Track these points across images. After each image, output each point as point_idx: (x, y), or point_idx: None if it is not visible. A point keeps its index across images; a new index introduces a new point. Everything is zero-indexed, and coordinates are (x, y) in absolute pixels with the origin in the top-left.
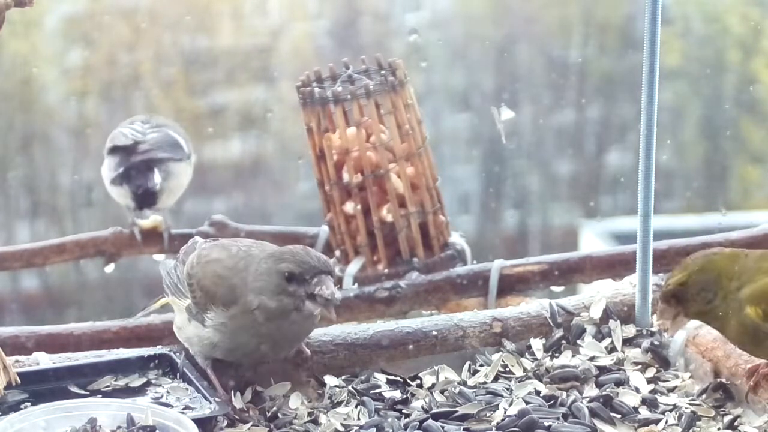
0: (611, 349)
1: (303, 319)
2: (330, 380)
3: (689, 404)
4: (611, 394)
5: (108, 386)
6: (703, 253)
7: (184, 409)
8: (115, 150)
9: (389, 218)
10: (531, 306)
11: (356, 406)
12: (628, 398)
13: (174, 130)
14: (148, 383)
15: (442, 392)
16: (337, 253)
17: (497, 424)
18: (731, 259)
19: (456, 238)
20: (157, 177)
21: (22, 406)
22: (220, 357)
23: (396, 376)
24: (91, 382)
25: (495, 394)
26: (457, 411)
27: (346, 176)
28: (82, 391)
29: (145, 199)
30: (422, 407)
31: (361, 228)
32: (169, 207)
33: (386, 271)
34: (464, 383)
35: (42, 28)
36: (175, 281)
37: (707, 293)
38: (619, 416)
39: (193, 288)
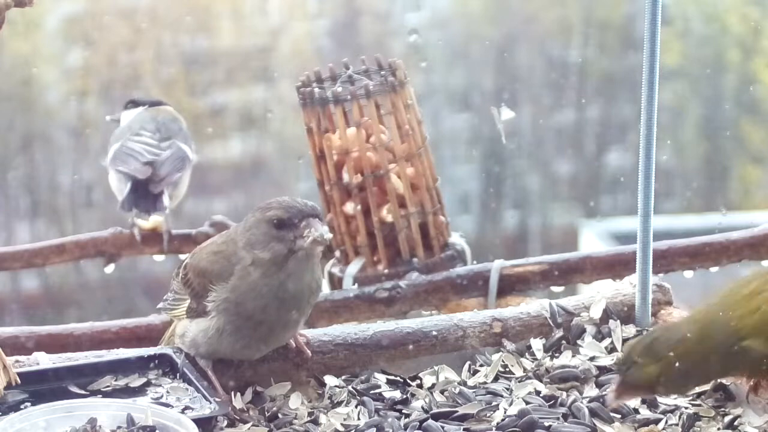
0: (611, 349)
1: (300, 271)
2: (330, 380)
3: (689, 404)
4: None
5: (108, 386)
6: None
7: (184, 409)
8: (129, 175)
9: (389, 218)
10: (531, 306)
11: (356, 406)
12: None
13: (181, 138)
14: (148, 383)
15: (442, 392)
16: (337, 253)
17: (497, 424)
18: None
19: (456, 239)
20: (166, 199)
21: (22, 406)
22: (228, 348)
23: (396, 376)
24: (91, 382)
25: (495, 394)
26: (457, 411)
27: (346, 176)
28: (82, 391)
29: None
30: (422, 407)
31: (361, 228)
32: (171, 209)
33: (386, 271)
34: (464, 383)
35: (42, 28)
36: (172, 296)
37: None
38: (619, 416)
39: (189, 281)
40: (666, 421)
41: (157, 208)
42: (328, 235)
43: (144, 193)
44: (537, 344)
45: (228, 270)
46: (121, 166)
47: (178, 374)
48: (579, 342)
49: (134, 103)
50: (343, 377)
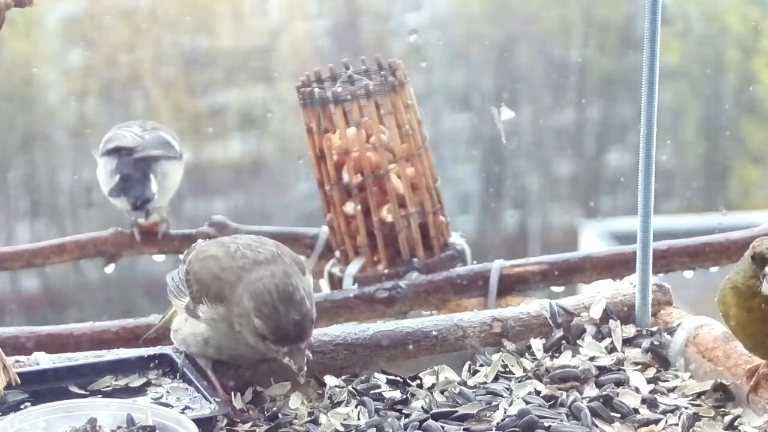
0: (611, 349)
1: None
2: (330, 380)
3: (689, 404)
4: (611, 394)
5: (108, 386)
6: None
7: (184, 409)
8: (113, 151)
9: (389, 218)
10: (531, 306)
11: (356, 406)
12: (628, 398)
13: (165, 132)
14: (148, 383)
15: (442, 392)
16: (337, 253)
17: (497, 424)
18: None
19: (456, 239)
20: (154, 186)
21: (22, 406)
22: (214, 356)
23: (396, 376)
24: (91, 382)
25: (495, 394)
26: (457, 411)
27: (346, 176)
28: (82, 391)
29: (142, 204)
30: (422, 407)
31: (361, 228)
32: (164, 206)
33: (386, 271)
34: (464, 383)
35: (42, 28)
36: (176, 283)
37: None
38: (619, 416)
39: (190, 283)
40: (666, 421)
41: (146, 194)
42: (305, 368)
43: (132, 181)
44: (537, 344)
45: (221, 297)
46: (110, 144)
47: (178, 374)
48: (579, 342)
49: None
50: (343, 377)
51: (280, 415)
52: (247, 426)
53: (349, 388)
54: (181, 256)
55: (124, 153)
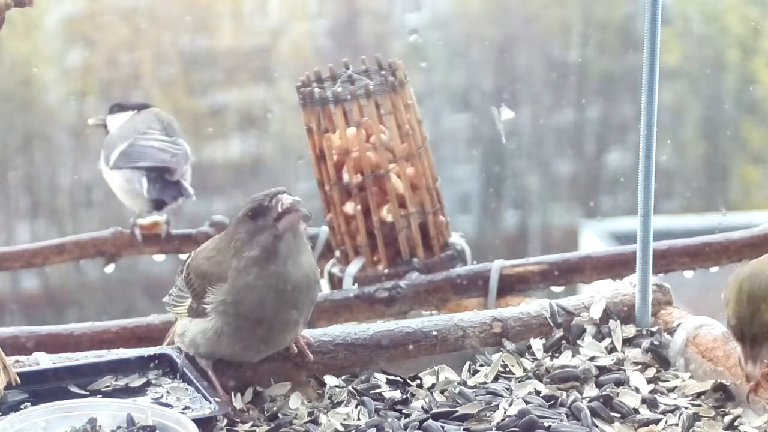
0: (611, 349)
1: (294, 253)
2: (330, 380)
3: (689, 404)
4: (611, 394)
5: (108, 386)
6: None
7: (184, 409)
8: (151, 168)
9: (389, 218)
10: (531, 306)
11: (356, 406)
12: (628, 398)
13: (181, 136)
14: (148, 383)
15: (442, 392)
16: (337, 253)
17: (497, 424)
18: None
19: (456, 239)
20: (189, 188)
21: (22, 406)
22: (228, 350)
23: (396, 376)
24: (91, 382)
25: (495, 394)
26: (457, 411)
27: (346, 176)
28: (82, 391)
29: (163, 204)
30: (422, 407)
31: (361, 228)
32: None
33: (386, 271)
34: (464, 383)
35: (42, 28)
36: (175, 293)
37: None
38: (619, 416)
39: (190, 281)
40: (666, 421)
41: (183, 194)
42: (300, 204)
43: (165, 184)
44: (537, 344)
45: (225, 273)
46: (142, 161)
47: (178, 374)
48: (579, 342)
49: (120, 107)
50: (343, 377)
51: (280, 415)
52: (247, 426)
53: (349, 388)
54: (181, 258)
55: (159, 171)
